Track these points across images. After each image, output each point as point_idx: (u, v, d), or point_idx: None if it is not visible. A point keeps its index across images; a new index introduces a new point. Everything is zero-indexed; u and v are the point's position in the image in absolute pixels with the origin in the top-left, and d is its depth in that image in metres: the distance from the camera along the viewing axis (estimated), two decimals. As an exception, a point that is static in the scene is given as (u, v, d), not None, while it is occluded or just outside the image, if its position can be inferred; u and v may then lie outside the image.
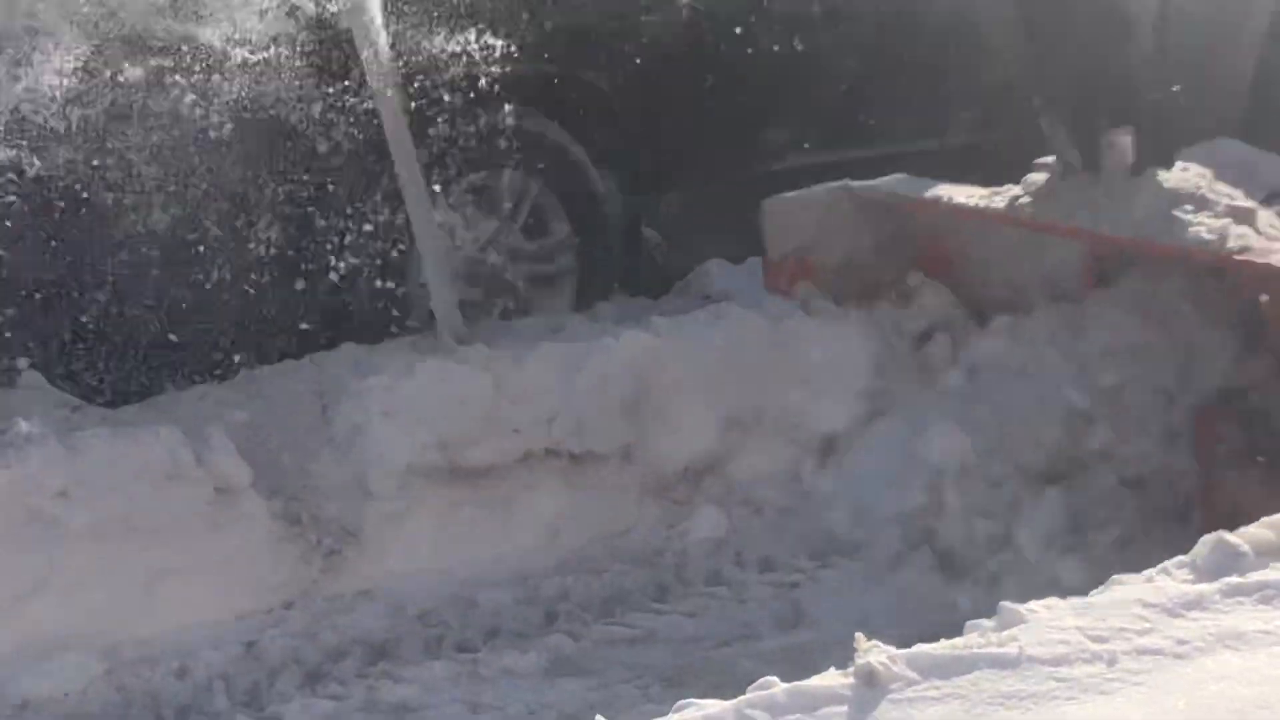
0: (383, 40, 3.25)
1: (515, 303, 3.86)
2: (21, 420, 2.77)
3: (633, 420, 3.25)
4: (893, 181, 3.75)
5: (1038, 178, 3.35)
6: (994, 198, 3.43)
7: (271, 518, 2.88)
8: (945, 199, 3.53)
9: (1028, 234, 3.42)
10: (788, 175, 4.01)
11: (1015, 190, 3.39)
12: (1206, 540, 1.83)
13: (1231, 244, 2.93)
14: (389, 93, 3.29)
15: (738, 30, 4.06)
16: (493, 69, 3.56)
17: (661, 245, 4.41)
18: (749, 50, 4.11)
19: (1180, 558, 1.83)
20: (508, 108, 3.65)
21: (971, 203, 3.47)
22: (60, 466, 2.70)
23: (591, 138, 3.95)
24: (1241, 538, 1.83)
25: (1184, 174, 3.19)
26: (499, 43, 3.55)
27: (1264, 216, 3.07)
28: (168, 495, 2.78)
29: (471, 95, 3.59)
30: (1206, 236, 2.96)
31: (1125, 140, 3.19)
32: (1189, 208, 3.06)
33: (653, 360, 3.30)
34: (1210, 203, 3.07)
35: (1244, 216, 3.03)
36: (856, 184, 3.76)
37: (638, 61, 3.97)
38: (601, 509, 3.24)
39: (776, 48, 4.13)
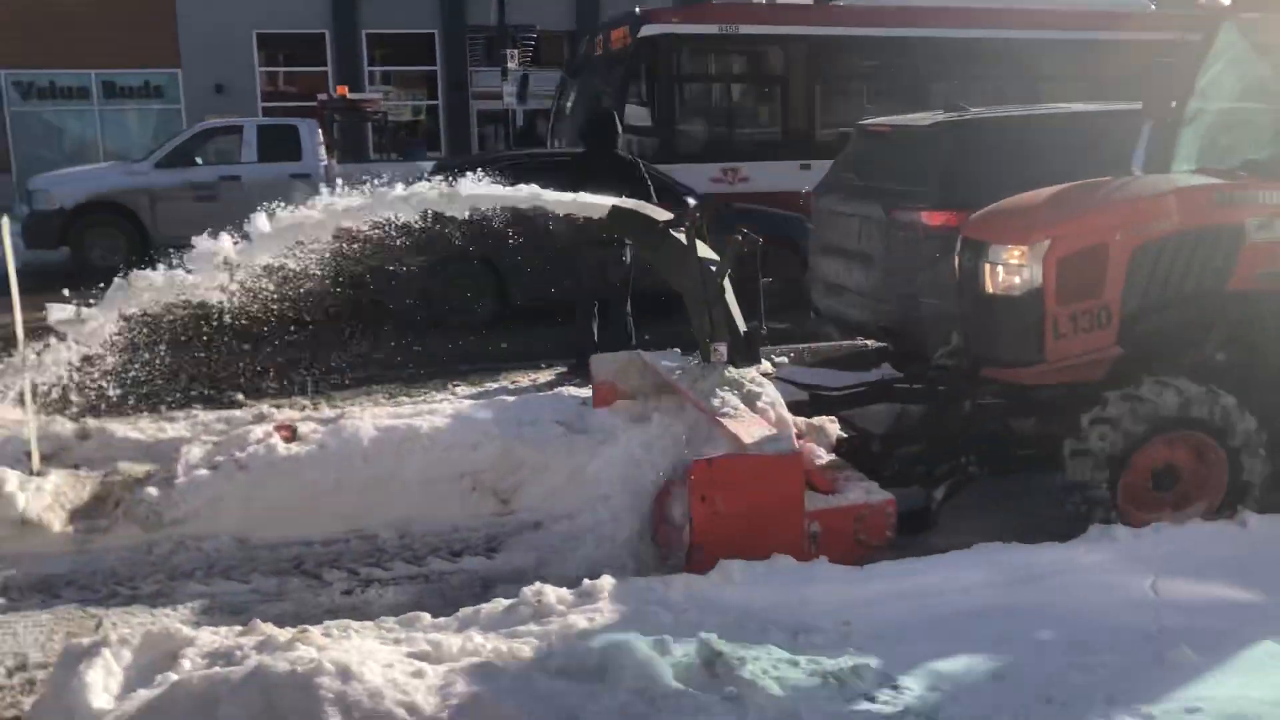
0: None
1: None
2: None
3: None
4: (656, 354, 6.41)
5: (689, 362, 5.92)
6: (675, 372, 6.01)
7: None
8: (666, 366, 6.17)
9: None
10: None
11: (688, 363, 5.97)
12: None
13: (721, 409, 5.32)
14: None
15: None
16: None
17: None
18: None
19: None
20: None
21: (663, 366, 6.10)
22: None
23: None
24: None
25: (748, 370, 5.59)
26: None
27: (767, 397, 5.41)
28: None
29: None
30: (715, 402, 5.36)
31: (722, 347, 5.67)
32: (728, 386, 5.48)
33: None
34: (740, 385, 5.47)
35: (752, 399, 5.40)
36: (644, 353, 6.46)
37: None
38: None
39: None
